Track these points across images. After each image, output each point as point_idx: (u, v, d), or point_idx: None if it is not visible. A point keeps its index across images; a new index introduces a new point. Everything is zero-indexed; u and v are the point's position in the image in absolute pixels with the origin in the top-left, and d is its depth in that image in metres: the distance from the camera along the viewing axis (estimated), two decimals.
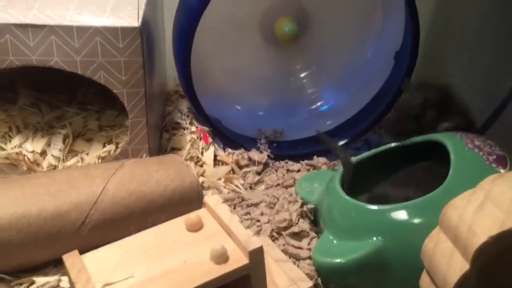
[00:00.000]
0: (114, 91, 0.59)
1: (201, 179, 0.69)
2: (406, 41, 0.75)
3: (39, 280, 0.50)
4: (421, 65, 0.81)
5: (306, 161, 0.75)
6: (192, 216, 0.47)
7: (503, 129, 0.68)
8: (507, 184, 0.41)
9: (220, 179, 0.70)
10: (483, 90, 0.79)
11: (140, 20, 0.57)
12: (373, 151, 0.61)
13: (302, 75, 0.86)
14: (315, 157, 0.75)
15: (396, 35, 0.76)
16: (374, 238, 0.50)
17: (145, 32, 0.58)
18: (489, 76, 0.77)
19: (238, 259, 0.43)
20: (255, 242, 0.43)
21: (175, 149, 0.72)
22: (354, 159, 0.61)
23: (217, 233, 0.46)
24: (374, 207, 0.52)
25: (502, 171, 0.51)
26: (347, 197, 0.54)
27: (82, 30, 0.55)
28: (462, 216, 0.41)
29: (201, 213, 0.48)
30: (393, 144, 0.61)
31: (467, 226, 0.40)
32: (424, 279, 0.45)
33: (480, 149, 0.52)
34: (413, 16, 0.70)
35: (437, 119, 0.61)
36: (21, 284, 0.50)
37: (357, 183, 0.59)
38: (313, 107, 0.85)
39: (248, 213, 0.62)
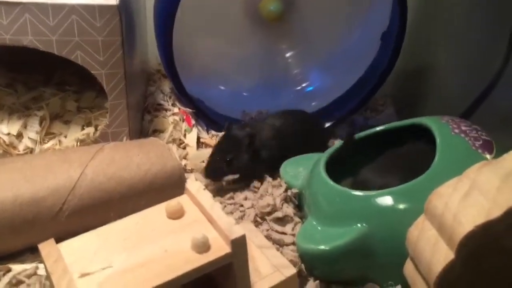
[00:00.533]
0: (92, 72, 0.57)
1: (183, 162, 0.67)
2: (393, 22, 0.74)
3: (16, 267, 0.49)
4: (408, 46, 0.80)
5: None
6: (173, 203, 0.45)
7: (489, 113, 0.68)
8: (493, 173, 0.40)
9: (203, 162, 0.69)
10: (469, 72, 0.78)
11: None
12: (359, 134, 0.60)
13: (288, 55, 0.85)
14: None
15: (383, 16, 0.75)
16: (359, 225, 0.49)
17: (124, 10, 0.56)
18: (476, 58, 0.76)
19: (220, 248, 0.42)
20: (237, 231, 0.42)
21: (157, 131, 0.71)
22: (339, 143, 0.60)
23: (198, 221, 0.44)
24: (359, 193, 0.51)
25: (488, 156, 0.50)
26: (332, 183, 0.53)
27: (57, 8, 0.53)
28: (447, 205, 0.40)
29: (183, 199, 0.46)
30: (378, 128, 0.60)
31: (453, 214, 0.39)
32: (408, 266, 0.45)
33: (467, 134, 0.52)
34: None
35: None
36: None
37: (342, 167, 0.59)
38: (299, 88, 0.83)
39: (232, 197, 0.61)
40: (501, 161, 0.41)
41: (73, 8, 0.53)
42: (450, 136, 0.52)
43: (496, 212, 0.37)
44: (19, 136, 0.61)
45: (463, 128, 0.53)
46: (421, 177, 0.49)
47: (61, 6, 0.53)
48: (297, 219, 0.57)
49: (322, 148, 0.65)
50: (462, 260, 0.38)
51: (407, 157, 0.56)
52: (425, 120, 0.55)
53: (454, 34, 0.81)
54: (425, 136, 0.55)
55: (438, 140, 0.51)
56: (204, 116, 0.74)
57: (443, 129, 0.53)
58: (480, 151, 0.50)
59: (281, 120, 0.66)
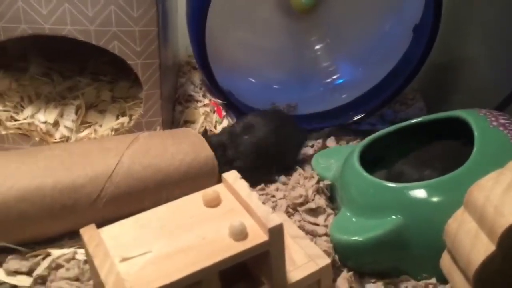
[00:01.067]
0: (129, 62, 0.58)
1: None
2: (426, 14, 0.73)
3: (55, 252, 0.50)
4: (439, 38, 0.79)
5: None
6: (210, 191, 0.46)
7: None
8: None
9: None
10: (502, 65, 0.77)
11: None
12: (393, 127, 0.60)
13: (318, 47, 0.84)
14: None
15: (416, 7, 0.74)
16: (393, 216, 0.49)
17: (160, 1, 0.56)
18: (510, 51, 0.75)
19: (257, 236, 0.42)
20: (274, 219, 0.42)
21: (188, 122, 0.71)
22: (374, 135, 0.60)
23: (235, 209, 0.45)
24: (394, 184, 0.51)
25: None
26: (365, 174, 0.53)
27: None
28: (488, 197, 0.40)
29: (219, 188, 0.47)
30: (413, 121, 0.59)
31: (494, 207, 0.39)
32: (445, 259, 0.45)
33: (505, 128, 0.51)
34: None
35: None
36: (36, 256, 0.50)
37: (374, 160, 0.58)
38: (329, 80, 0.83)
39: (263, 188, 0.62)
40: None
41: None
42: (488, 129, 0.51)
43: None
44: (56, 124, 0.63)
45: (502, 121, 0.52)
46: (459, 170, 0.49)
47: None
48: (329, 210, 0.57)
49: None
50: (502, 252, 0.38)
51: (444, 150, 0.55)
52: (462, 113, 0.54)
53: (487, 26, 0.79)
54: (461, 129, 0.54)
55: (476, 133, 0.51)
56: (234, 108, 0.75)
57: (480, 122, 0.52)
58: None
59: (260, 128, 0.63)
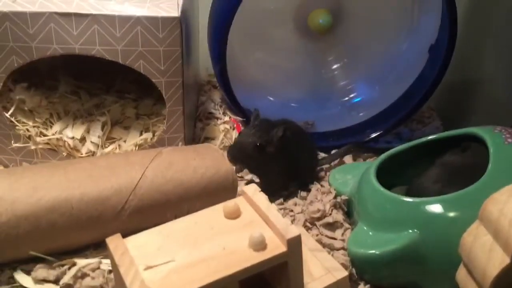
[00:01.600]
0: (153, 80, 0.60)
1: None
2: (441, 35, 0.74)
3: (80, 262, 0.52)
4: (455, 58, 0.80)
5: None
6: (231, 203, 0.47)
7: None
8: None
9: None
10: None
11: (180, 10, 0.58)
12: (409, 143, 0.61)
13: (334, 66, 0.86)
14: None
15: (431, 28, 0.76)
16: (410, 231, 0.50)
17: (184, 22, 0.59)
18: None
19: (276, 247, 0.43)
20: (293, 231, 0.43)
21: (208, 139, 0.73)
22: (390, 151, 0.61)
23: (255, 221, 0.46)
24: (410, 199, 0.52)
25: None
26: (382, 189, 0.54)
27: (124, 20, 0.57)
28: (503, 211, 0.40)
29: (239, 201, 0.48)
30: (429, 137, 0.60)
31: (508, 220, 0.39)
32: (461, 272, 0.45)
33: None
34: (451, 11, 0.69)
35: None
36: (63, 265, 0.52)
37: (393, 175, 0.59)
38: (346, 99, 0.85)
39: (281, 203, 0.63)
40: None
41: (138, 19, 0.57)
42: (503, 146, 0.52)
43: None
44: (82, 140, 0.65)
45: None
46: (474, 185, 0.50)
47: (127, 18, 0.56)
48: (346, 225, 0.58)
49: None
50: None
51: (461, 167, 0.56)
52: (477, 130, 0.55)
53: (503, 46, 0.81)
54: (477, 146, 0.55)
55: (491, 150, 0.52)
56: None
57: (496, 139, 0.53)
58: None
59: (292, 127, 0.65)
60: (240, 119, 0.76)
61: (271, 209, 0.46)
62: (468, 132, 0.57)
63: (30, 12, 0.56)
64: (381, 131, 0.79)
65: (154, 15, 0.57)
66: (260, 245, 0.43)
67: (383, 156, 0.60)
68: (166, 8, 0.58)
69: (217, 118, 0.77)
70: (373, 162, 0.60)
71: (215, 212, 0.48)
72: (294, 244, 0.43)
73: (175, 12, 0.57)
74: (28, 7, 0.56)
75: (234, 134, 0.75)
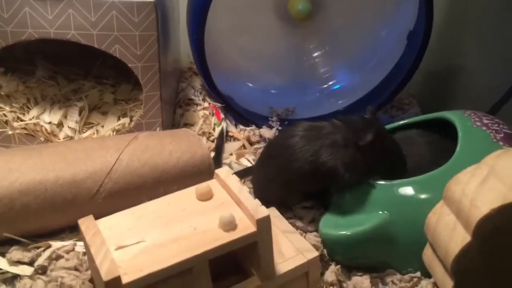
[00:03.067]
0: (129, 65, 0.60)
1: (212, 154, 0.70)
2: (419, 22, 0.75)
3: (56, 244, 0.53)
4: (435, 46, 0.81)
5: None
6: (203, 185, 0.48)
7: None
8: (511, 159, 0.42)
9: (231, 154, 0.72)
10: (497, 72, 0.79)
11: None
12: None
13: (315, 54, 0.87)
14: None
15: (410, 15, 0.76)
16: (380, 212, 0.51)
17: (160, 7, 0.59)
18: (504, 57, 0.77)
19: (246, 227, 0.44)
20: (262, 211, 0.44)
21: (188, 125, 0.74)
22: None
23: (226, 203, 0.47)
24: (381, 181, 0.53)
25: None
26: None
27: (98, 4, 0.57)
28: (465, 190, 0.42)
29: (212, 183, 0.49)
30: (401, 122, 0.61)
31: (470, 199, 0.41)
32: (427, 252, 0.47)
33: (488, 127, 0.53)
34: (427, 1, 0.70)
35: None
36: (38, 247, 0.52)
37: None
38: (325, 86, 0.85)
39: None
40: None
41: (113, 4, 0.57)
42: (471, 129, 0.53)
43: None
44: (60, 125, 0.65)
45: (485, 121, 0.54)
46: (442, 167, 0.51)
47: (102, 2, 0.57)
48: (321, 209, 0.59)
49: None
50: (478, 243, 0.40)
51: (431, 150, 0.57)
52: (447, 114, 0.57)
53: (482, 34, 0.82)
54: (449, 130, 0.56)
55: (460, 133, 0.53)
56: (233, 111, 0.77)
57: (465, 122, 0.54)
58: (501, 143, 0.51)
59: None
60: (219, 105, 0.76)
61: (243, 191, 0.47)
62: (439, 116, 0.58)
63: None
64: None
65: None
66: (230, 225, 0.44)
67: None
68: None
69: (197, 105, 0.77)
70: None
71: (187, 194, 0.49)
72: (264, 224, 0.44)
73: None
74: None
75: (213, 120, 0.75)
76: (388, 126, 0.62)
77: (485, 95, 0.79)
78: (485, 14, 0.81)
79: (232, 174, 0.49)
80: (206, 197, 0.48)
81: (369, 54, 0.83)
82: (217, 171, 0.50)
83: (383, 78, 0.81)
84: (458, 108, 0.63)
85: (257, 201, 0.46)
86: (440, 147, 0.56)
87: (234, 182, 0.48)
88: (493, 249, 0.41)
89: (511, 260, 0.43)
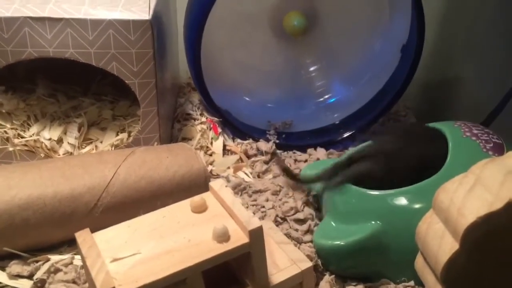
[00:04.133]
0: (126, 82, 0.62)
1: (210, 167, 0.71)
2: (412, 35, 0.76)
3: (54, 258, 0.54)
4: (429, 58, 0.83)
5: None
6: (197, 198, 0.49)
7: (507, 123, 0.69)
8: (497, 168, 0.42)
9: (229, 168, 0.73)
10: (491, 83, 0.80)
11: (151, 13, 0.59)
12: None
13: (312, 68, 0.88)
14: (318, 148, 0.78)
15: (403, 29, 0.78)
16: (373, 222, 0.51)
17: (156, 25, 0.61)
18: (497, 69, 0.78)
19: (239, 238, 0.45)
20: (255, 222, 0.45)
21: (185, 139, 0.75)
22: (358, 147, 0.63)
23: (220, 215, 0.48)
24: (374, 192, 0.53)
25: None
26: (348, 184, 0.56)
27: (96, 23, 0.58)
28: (452, 199, 0.42)
29: (206, 196, 0.50)
30: None
31: (457, 208, 0.41)
32: (419, 260, 0.47)
33: (478, 138, 0.54)
34: (418, 13, 0.71)
35: None
36: (37, 261, 0.53)
37: None
38: (321, 99, 0.87)
39: (255, 200, 0.65)
40: (505, 158, 0.43)
41: (110, 23, 0.58)
42: (461, 139, 0.54)
43: (499, 205, 0.39)
44: (60, 141, 0.67)
45: (475, 131, 0.55)
46: (433, 177, 0.51)
47: (99, 22, 0.58)
48: (316, 220, 0.60)
49: None
50: (466, 251, 0.41)
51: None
52: (438, 125, 0.57)
53: (475, 46, 0.83)
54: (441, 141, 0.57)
55: (450, 143, 0.54)
56: (230, 125, 0.78)
57: (455, 132, 0.55)
58: (490, 153, 0.52)
59: None
60: (217, 119, 0.77)
61: (236, 203, 0.48)
62: (430, 127, 0.59)
63: (5, 17, 0.57)
64: (356, 130, 0.81)
65: (126, 18, 0.58)
66: (223, 237, 0.45)
67: (351, 151, 0.62)
68: (137, 11, 0.59)
69: (195, 119, 0.78)
70: (341, 157, 0.61)
71: (182, 207, 0.50)
72: (256, 235, 0.45)
73: (146, 15, 0.59)
74: (2, 12, 0.58)
75: (211, 134, 0.76)
76: None
77: (480, 106, 0.80)
78: (477, 26, 0.83)
79: (226, 186, 0.50)
80: (200, 209, 0.49)
81: (364, 68, 0.85)
82: (211, 183, 0.51)
83: (378, 90, 0.82)
84: (453, 119, 0.64)
85: (250, 213, 0.46)
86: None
87: (228, 195, 0.49)
88: (482, 258, 0.42)
89: (501, 269, 0.43)
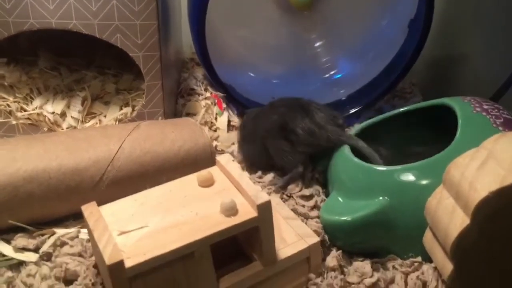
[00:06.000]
0: (130, 54, 0.61)
1: (214, 143, 0.71)
2: (420, 9, 0.75)
3: (60, 231, 0.53)
4: (436, 34, 0.81)
5: None
6: (204, 172, 0.48)
7: None
8: (509, 143, 0.42)
9: (233, 144, 0.72)
10: (499, 59, 0.79)
11: None
12: (381, 116, 0.62)
13: (317, 44, 0.87)
14: None
15: (410, 3, 0.76)
16: (381, 198, 0.51)
17: None
18: (506, 44, 0.76)
19: (247, 212, 0.44)
20: (263, 196, 0.44)
21: (190, 114, 0.74)
22: (364, 123, 0.62)
23: (227, 189, 0.47)
24: (381, 167, 0.53)
25: None
26: (355, 159, 0.55)
27: None
28: (464, 174, 0.42)
29: (213, 170, 0.50)
30: (401, 109, 0.61)
31: (469, 182, 0.41)
32: (427, 235, 0.47)
33: (488, 113, 0.53)
34: None
35: None
36: (43, 234, 0.53)
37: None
38: (327, 75, 0.85)
39: (260, 176, 0.64)
40: None
41: None
42: (471, 114, 0.53)
43: (511, 179, 0.39)
44: (63, 115, 0.66)
45: (485, 106, 0.54)
46: (442, 153, 0.51)
47: None
48: (322, 196, 0.60)
49: None
50: (477, 225, 0.40)
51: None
52: (447, 100, 0.57)
53: (483, 21, 0.81)
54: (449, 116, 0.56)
55: (459, 119, 0.53)
56: (235, 101, 0.77)
57: (464, 107, 0.54)
58: (501, 128, 0.51)
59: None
60: (221, 94, 0.76)
61: (243, 177, 0.47)
62: (438, 102, 0.58)
63: None
64: (362, 107, 0.80)
65: None
66: (231, 211, 0.44)
67: (357, 127, 0.61)
68: None
69: (199, 94, 0.77)
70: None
71: (189, 181, 0.49)
72: (264, 209, 0.44)
73: None
74: None
75: (215, 110, 0.75)
76: (389, 114, 0.62)
77: (487, 82, 0.79)
78: (485, 1, 0.81)
79: (233, 160, 0.50)
80: (207, 183, 0.48)
81: (371, 43, 0.83)
82: (219, 158, 0.50)
83: (385, 67, 0.81)
84: (460, 95, 0.63)
85: (258, 187, 0.46)
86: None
87: (235, 169, 0.49)
88: (492, 233, 0.42)
89: (510, 244, 0.43)
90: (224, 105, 0.76)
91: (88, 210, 0.45)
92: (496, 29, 0.79)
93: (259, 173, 0.64)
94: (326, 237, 0.53)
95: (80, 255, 0.50)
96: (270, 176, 0.63)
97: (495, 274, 0.45)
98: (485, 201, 0.39)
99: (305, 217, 0.56)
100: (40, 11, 0.57)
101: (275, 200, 0.57)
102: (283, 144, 0.60)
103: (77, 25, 0.58)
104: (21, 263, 0.50)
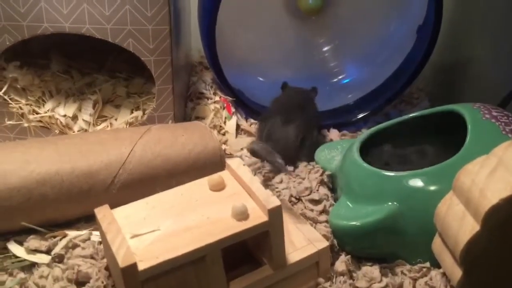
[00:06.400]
0: (142, 59, 0.61)
1: (223, 147, 0.71)
2: (429, 15, 0.75)
3: (72, 233, 0.54)
4: (445, 39, 0.81)
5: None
6: (215, 176, 0.49)
7: None
8: None
9: (242, 149, 0.72)
10: (507, 64, 0.79)
11: None
12: (391, 121, 0.62)
13: (325, 48, 0.87)
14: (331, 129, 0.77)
15: (419, 9, 0.77)
16: (390, 203, 0.51)
17: (172, 2, 0.60)
18: None
19: (257, 217, 0.45)
20: (274, 201, 0.45)
21: (199, 118, 0.75)
22: (373, 128, 0.62)
23: (238, 193, 0.48)
24: (391, 173, 0.53)
25: None
26: (365, 164, 0.56)
27: None
28: (474, 181, 0.42)
29: (224, 174, 0.50)
30: (410, 115, 0.62)
31: (479, 189, 0.41)
32: (436, 242, 0.47)
33: (497, 120, 0.53)
34: None
35: None
36: (55, 236, 0.54)
37: (375, 152, 0.61)
38: (335, 80, 0.86)
39: (269, 178, 0.65)
40: None
41: None
42: (480, 121, 0.53)
43: None
44: (74, 118, 0.67)
45: (494, 113, 0.54)
46: (451, 159, 0.51)
47: None
48: (331, 200, 0.60)
49: None
50: (487, 232, 0.41)
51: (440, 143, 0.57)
52: (456, 107, 0.57)
53: (492, 27, 0.82)
54: (458, 123, 0.56)
55: (469, 125, 0.53)
56: (244, 105, 0.78)
57: (474, 114, 0.54)
58: (510, 135, 0.52)
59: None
60: (230, 98, 0.77)
61: (254, 181, 0.48)
62: (448, 109, 0.58)
63: None
64: (370, 111, 0.80)
65: None
66: (242, 215, 0.45)
67: (367, 133, 0.61)
68: None
69: (208, 98, 0.78)
70: (357, 139, 0.61)
71: (200, 185, 0.50)
72: (275, 214, 0.45)
73: None
74: None
75: (224, 113, 0.76)
76: (396, 120, 0.62)
77: (495, 88, 0.79)
78: (495, 6, 0.81)
79: (244, 165, 0.50)
80: (218, 187, 0.49)
81: (379, 48, 0.84)
82: (229, 162, 0.51)
83: (393, 72, 0.81)
84: (467, 101, 0.64)
85: (269, 192, 0.46)
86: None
87: (246, 173, 0.49)
88: (502, 239, 0.42)
89: None
90: (233, 109, 0.77)
91: (101, 213, 0.46)
92: (504, 34, 0.79)
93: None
94: (335, 241, 0.53)
95: (92, 257, 0.51)
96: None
97: (504, 280, 0.45)
98: (496, 208, 0.39)
99: (314, 222, 0.57)
100: (54, 15, 0.58)
101: (284, 204, 0.57)
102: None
103: (90, 29, 0.59)
104: (33, 265, 0.51)
